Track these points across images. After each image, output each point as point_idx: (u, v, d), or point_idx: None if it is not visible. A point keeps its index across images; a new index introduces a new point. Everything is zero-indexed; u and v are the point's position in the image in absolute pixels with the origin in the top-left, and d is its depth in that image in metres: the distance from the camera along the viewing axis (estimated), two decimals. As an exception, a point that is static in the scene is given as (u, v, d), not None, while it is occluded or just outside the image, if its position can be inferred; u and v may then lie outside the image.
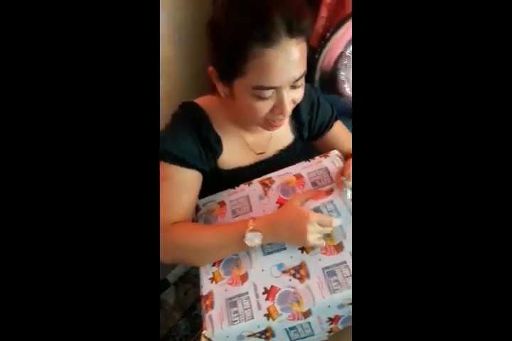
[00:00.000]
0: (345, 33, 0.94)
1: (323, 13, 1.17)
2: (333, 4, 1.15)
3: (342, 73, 0.96)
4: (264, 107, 0.51)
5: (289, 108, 0.52)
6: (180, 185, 0.57)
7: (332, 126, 0.71)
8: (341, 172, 0.54)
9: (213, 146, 0.59)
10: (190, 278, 0.89)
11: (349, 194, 0.53)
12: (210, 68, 0.52)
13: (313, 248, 0.51)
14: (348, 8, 1.05)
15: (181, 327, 0.61)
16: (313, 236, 0.48)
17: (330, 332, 0.51)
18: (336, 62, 0.97)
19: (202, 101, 0.61)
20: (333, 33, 0.97)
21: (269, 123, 0.55)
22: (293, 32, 0.45)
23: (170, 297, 0.92)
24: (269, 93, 0.49)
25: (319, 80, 1.01)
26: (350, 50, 0.93)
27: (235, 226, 0.53)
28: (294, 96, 0.52)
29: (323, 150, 0.66)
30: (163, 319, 0.86)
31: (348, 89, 0.98)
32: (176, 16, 0.96)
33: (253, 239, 0.50)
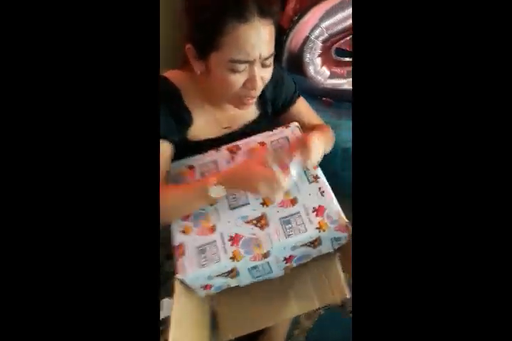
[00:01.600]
0: (311, 18, 1.01)
1: (293, -4, 1.23)
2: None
3: (307, 55, 1.04)
4: (237, 81, 0.57)
5: (259, 84, 0.58)
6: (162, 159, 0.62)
7: (295, 102, 0.78)
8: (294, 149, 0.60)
9: (184, 119, 0.65)
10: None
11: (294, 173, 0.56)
12: (188, 45, 0.57)
13: (272, 201, 0.59)
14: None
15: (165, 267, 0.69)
16: (264, 190, 0.54)
17: (285, 269, 0.60)
18: (302, 44, 1.04)
19: (172, 75, 0.66)
20: (300, 17, 1.04)
21: (240, 101, 0.61)
22: (263, 13, 0.52)
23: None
24: (242, 67, 0.55)
25: (286, 61, 1.09)
26: (315, 34, 1.01)
27: (199, 182, 0.59)
28: (263, 74, 0.58)
29: (287, 123, 0.74)
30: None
31: (312, 71, 1.06)
32: None
33: (217, 191, 0.56)
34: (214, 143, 0.71)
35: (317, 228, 0.55)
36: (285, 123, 0.80)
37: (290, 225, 0.56)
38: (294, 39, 1.05)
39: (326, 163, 1.04)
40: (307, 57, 1.05)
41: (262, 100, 0.74)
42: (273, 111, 0.78)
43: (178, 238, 0.60)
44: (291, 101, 0.77)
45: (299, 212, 0.57)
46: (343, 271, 0.65)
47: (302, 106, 0.79)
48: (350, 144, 1.02)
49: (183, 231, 0.60)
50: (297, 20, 1.04)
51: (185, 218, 0.62)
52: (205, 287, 0.59)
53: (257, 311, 0.66)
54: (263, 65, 0.57)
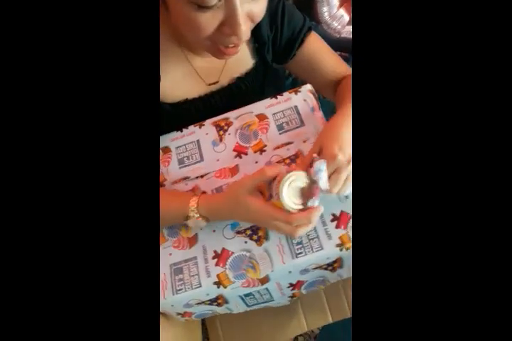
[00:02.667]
0: None
1: None
2: None
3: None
4: (208, 22, 0.36)
5: (244, 26, 0.37)
6: None
7: (303, 40, 0.54)
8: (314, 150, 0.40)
9: None
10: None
11: (323, 182, 0.37)
12: None
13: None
14: None
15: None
16: (282, 230, 0.37)
17: (292, 297, 0.46)
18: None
19: None
20: None
21: (218, 49, 0.41)
22: None
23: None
24: (213, 0, 0.34)
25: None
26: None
27: (182, 199, 0.42)
28: (251, 8, 0.37)
29: (298, 75, 0.52)
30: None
31: (326, 14, 0.82)
32: None
33: (197, 224, 0.41)
34: (198, 105, 0.52)
35: (338, 245, 0.39)
36: (295, 71, 0.59)
37: (299, 239, 0.40)
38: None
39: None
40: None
41: (257, 43, 0.52)
42: (274, 57, 0.55)
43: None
44: (297, 40, 0.53)
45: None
46: None
47: (316, 45, 0.55)
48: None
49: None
50: None
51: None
52: (184, 314, 0.45)
53: (258, 330, 0.54)
54: None
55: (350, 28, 0.85)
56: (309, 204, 0.35)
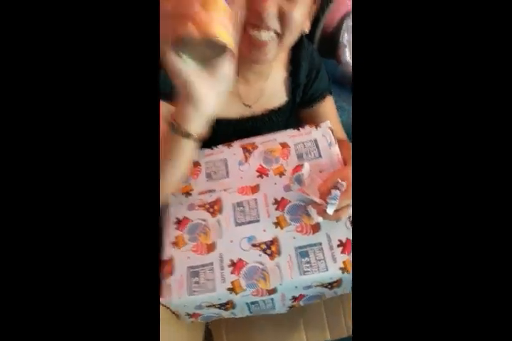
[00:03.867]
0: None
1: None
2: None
3: (345, 35, 0.88)
4: None
5: (271, 9, 0.41)
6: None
7: (324, 99, 0.64)
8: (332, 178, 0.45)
9: None
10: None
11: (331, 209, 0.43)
12: None
13: (289, 223, 0.48)
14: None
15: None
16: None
17: (290, 307, 0.51)
18: (340, 21, 0.88)
19: None
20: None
21: (250, 42, 0.45)
22: None
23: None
24: None
25: (319, 41, 0.92)
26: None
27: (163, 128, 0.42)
28: (285, 4, 0.42)
29: (307, 123, 0.61)
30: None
31: (348, 54, 0.91)
32: None
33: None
34: (229, 127, 0.59)
35: (341, 268, 0.44)
36: (306, 120, 0.68)
37: (308, 259, 0.45)
38: (331, 14, 0.89)
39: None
40: (344, 37, 0.89)
41: (293, 84, 0.61)
42: (300, 101, 0.64)
43: (168, 250, 0.49)
44: (319, 97, 0.64)
45: (320, 244, 0.46)
46: None
47: (330, 107, 0.67)
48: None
49: (175, 243, 0.49)
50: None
51: (181, 226, 0.51)
52: (192, 315, 0.49)
53: (261, 337, 0.58)
54: None
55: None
56: None
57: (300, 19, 0.46)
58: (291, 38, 0.48)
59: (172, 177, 0.47)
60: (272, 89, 0.58)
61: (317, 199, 0.45)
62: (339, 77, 0.93)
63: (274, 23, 0.44)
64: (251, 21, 0.43)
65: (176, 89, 0.38)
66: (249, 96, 0.59)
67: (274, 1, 0.42)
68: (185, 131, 0.40)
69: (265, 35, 0.45)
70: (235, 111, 0.59)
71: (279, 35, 0.46)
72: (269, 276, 0.45)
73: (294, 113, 0.66)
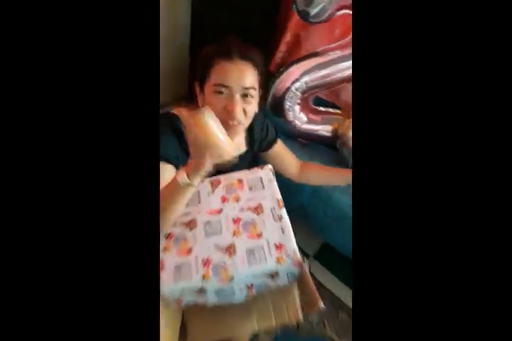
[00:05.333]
0: (294, 71, 1.17)
1: (283, 47, 1.41)
2: (291, 42, 1.40)
3: (288, 103, 1.20)
4: (219, 102, 0.70)
5: (239, 112, 0.71)
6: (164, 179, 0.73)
7: (276, 143, 0.96)
8: None
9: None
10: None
11: None
12: (195, 83, 0.74)
13: (241, 233, 0.70)
14: (304, 50, 1.30)
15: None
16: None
17: (247, 296, 0.71)
18: (284, 93, 1.20)
19: (177, 112, 0.80)
20: (285, 68, 1.20)
21: (225, 122, 0.70)
22: (242, 57, 0.70)
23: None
24: (223, 89, 0.69)
25: (271, 105, 1.24)
26: (296, 86, 1.17)
27: (172, 181, 0.66)
28: (245, 106, 0.73)
29: (266, 162, 0.88)
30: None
31: (291, 115, 1.22)
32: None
33: (185, 182, 0.63)
34: None
35: (276, 261, 0.67)
36: (269, 159, 0.95)
37: (254, 256, 0.67)
38: (278, 87, 1.21)
39: (295, 197, 1.18)
40: (287, 104, 1.21)
41: (251, 140, 0.91)
42: (257, 149, 0.94)
43: (160, 254, 0.70)
44: (273, 143, 0.95)
45: (262, 246, 0.69)
46: (299, 297, 0.76)
47: (281, 148, 0.98)
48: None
49: (165, 248, 0.71)
50: (282, 71, 1.20)
51: (168, 238, 0.72)
52: (177, 301, 0.69)
53: (224, 322, 0.76)
54: (244, 96, 0.72)
55: (306, 125, 1.25)
56: None
57: (254, 110, 0.76)
58: (249, 121, 0.78)
59: (174, 216, 0.70)
60: (238, 141, 0.87)
61: None
62: (287, 130, 1.24)
63: (241, 117, 0.74)
64: (226, 117, 0.73)
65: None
66: None
67: (240, 105, 0.73)
68: (193, 182, 0.62)
69: (235, 122, 0.75)
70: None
71: (242, 122, 0.76)
72: (228, 268, 0.66)
73: (255, 157, 0.94)
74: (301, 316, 0.73)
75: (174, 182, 0.66)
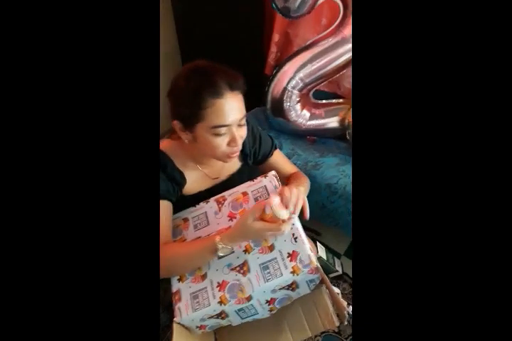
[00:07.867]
0: (288, 69, 1.13)
1: (273, 48, 1.38)
2: (281, 42, 1.36)
3: (287, 103, 1.16)
4: (222, 142, 0.69)
5: (240, 141, 0.71)
6: (160, 214, 0.73)
7: (272, 154, 0.91)
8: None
9: (179, 181, 0.77)
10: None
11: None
12: (175, 122, 0.70)
13: (253, 248, 0.68)
14: (296, 46, 1.25)
15: (162, 320, 0.79)
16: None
17: (271, 310, 0.68)
18: (282, 94, 1.16)
19: (163, 145, 0.78)
20: (279, 68, 1.17)
21: (226, 155, 0.73)
22: (232, 88, 0.66)
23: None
24: (223, 130, 0.67)
25: (270, 107, 1.20)
26: (292, 84, 1.13)
27: (206, 242, 0.68)
28: (241, 133, 0.71)
29: (266, 173, 0.84)
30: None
31: (293, 115, 1.18)
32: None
33: (225, 250, 0.65)
34: (206, 194, 0.82)
35: (291, 272, 0.63)
36: (265, 171, 0.91)
37: (268, 270, 0.64)
38: (275, 88, 1.18)
39: (315, 197, 1.14)
40: (287, 105, 1.16)
41: (243, 154, 0.86)
42: (254, 162, 0.90)
43: (175, 285, 0.69)
44: (269, 154, 0.90)
45: (275, 258, 0.65)
46: (331, 302, 0.72)
47: (279, 157, 0.92)
48: (334, 180, 1.12)
49: (179, 279, 0.70)
50: (276, 72, 1.17)
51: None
52: (200, 327, 0.67)
53: (256, 339, 0.74)
54: (239, 125, 0.69)
55: (311, 121, 1.20)
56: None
57: (246, 132, 0.74)
58: (242, 140, 0.75)
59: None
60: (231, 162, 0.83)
61: None
62: (291, 130, 1.19)
63: (240, 143, 0.72)
64: (229, 151, 0.72)
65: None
66: (214, 173, 0.84)
67: (239, 136, 0.70)
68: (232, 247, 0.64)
69: (238, 151, 0.74)
70: (206, 185, 0.83)
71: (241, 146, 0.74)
72: (245, 288, 0.64)
73: (253, 169, 0.90)
74: (337, 322, 0.69)
75: (206, 245, 0.66)
